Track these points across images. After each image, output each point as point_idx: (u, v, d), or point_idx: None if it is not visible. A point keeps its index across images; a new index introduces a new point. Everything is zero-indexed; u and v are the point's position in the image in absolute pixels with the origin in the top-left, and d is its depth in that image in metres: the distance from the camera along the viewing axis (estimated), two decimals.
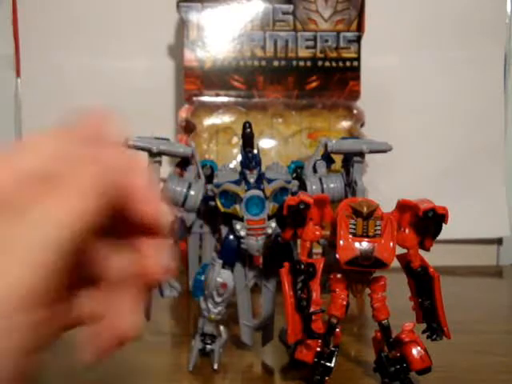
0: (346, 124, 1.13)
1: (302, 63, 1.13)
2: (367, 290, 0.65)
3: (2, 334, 0.28)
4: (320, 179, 0.74)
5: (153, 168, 0.70)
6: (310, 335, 0.62)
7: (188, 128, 1.13)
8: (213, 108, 1.12)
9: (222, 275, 0.69)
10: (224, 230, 0.71)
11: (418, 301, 0.65)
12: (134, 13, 1.28)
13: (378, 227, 0.61)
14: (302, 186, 0.73)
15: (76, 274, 0.32)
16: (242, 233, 0.68)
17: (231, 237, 0.70)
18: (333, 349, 0.64)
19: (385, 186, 1.19)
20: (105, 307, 0.35)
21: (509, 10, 1.33)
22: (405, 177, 1.29)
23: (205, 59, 1.11)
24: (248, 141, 0.68)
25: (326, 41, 1.12)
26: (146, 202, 0.34)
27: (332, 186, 0.73)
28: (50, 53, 1.27)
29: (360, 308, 0.94)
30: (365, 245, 0.61)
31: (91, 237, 0.31)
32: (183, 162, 0.74)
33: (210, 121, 1.12)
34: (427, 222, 0.62)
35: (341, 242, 0.61)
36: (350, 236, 0.61)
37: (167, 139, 0.72)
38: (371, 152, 0.73)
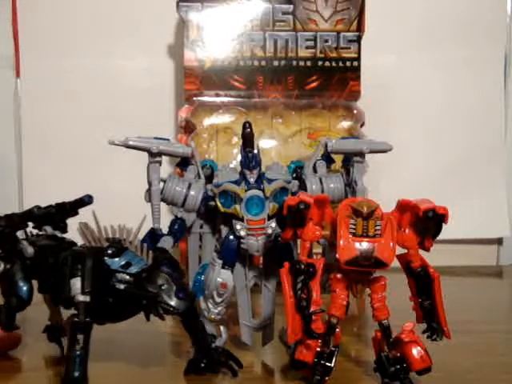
0: (345, 124, 1.13)
1: (302, 63, 1.13)
2: (367, 290, 0.65)
3: None
4: (320, 179, 0.74)
5: (153, 168, 0.70)
6: (310, 335, 0.62)
7: (188, 128, 1.13)
8: (213, 108, 1.12)
9: (222, 275, 0.69)
10: (224, 230, 0.71)
11: (418, 301, 0.65)
12: (134, 13, 1.28)
13: (378, 227, 0.61)
14: (302, 186, 0.73)
15: None
16: (242, 233, 0.68)
17: (231, 237, 0.70)
18: (333, 349, 0.64)
19: (385, 185, 1.19)
20: None
21: (509, 10, 1.33)
22: (405, 177, 1.29)
23: (205, 59, 1.11)
24: (248, 141, 0.68)
25: (326, 41, 1.12)
26: None
27: (332, 186, 0.73)
28: (49, 53, 1.27)
29: (360, 308, 0.94)
30: (365, 245, 0.61)
31: None
32: (183, 162, 0.74)
33: (210, 121, 1.12)
34: (427, 222, 0.62)
35: (341, 242, 0.61)
36: (350, 236, 0.61)
37: (167, 139, 0.72)
38: (371, 152, 0.73)
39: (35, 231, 0.74)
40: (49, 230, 0.73)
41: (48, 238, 0.72)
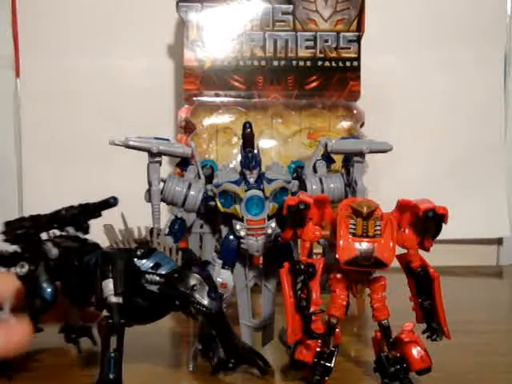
0: (345, 124, 1.13)
1: (301, 63, 1.13)
2: (367, 290, 0.65)
3: None
4: (320, 179, 0.73)
5: (153, 168, 0.70)
6: (310, 335, 0.62)
7: (188, 128, 1.13)
8: (212, 108, 1.12)
9: (221, 275, 0.69)
10: (224, 230, 0.71)
11: (418, 301, 0.65)
12: (133, 13, 1.28)
13: (378, 227, 0.61)
14: (302, 186, 0.73)
15: None
16: (242, 233, 0.68)
17: (231, 237, 0.70)
18: (333, 349, 0.64)
19: (385, 185, 1.19)
20: None
21: (509, 10, 1.33)
22: (405, 177, 1.29)
23: (204, 59, 1.11)
24: (248, 141, 0.68)
25: (326, 41, 1.12)
26: None
27: (332, 185, 0.73)
28: (49, 53, 1.27)
29: (360, 308, 0.94)
30: (365, 245, 0.61)
31: None
32: (183, 162, 0.74)
33: (210, 121, 1.12)
34: (427, 222, 0.62)
35: (341, 242, 0.61)
36: (350, 236, 0.61)
37: (167, 139, 0.72)
38: (371, 152, 0.73)
39: (57, 231, 0.73)
40: (71, 230, 0.73)
41: (71, 239, 0.72)
